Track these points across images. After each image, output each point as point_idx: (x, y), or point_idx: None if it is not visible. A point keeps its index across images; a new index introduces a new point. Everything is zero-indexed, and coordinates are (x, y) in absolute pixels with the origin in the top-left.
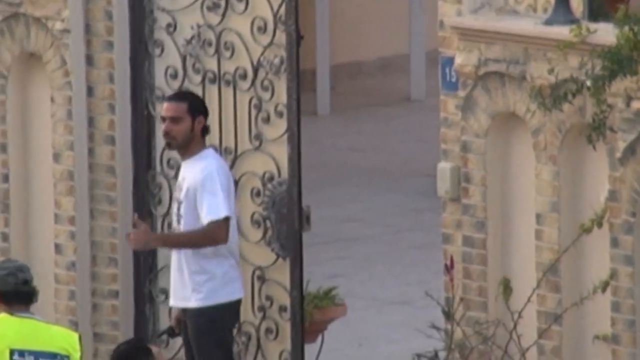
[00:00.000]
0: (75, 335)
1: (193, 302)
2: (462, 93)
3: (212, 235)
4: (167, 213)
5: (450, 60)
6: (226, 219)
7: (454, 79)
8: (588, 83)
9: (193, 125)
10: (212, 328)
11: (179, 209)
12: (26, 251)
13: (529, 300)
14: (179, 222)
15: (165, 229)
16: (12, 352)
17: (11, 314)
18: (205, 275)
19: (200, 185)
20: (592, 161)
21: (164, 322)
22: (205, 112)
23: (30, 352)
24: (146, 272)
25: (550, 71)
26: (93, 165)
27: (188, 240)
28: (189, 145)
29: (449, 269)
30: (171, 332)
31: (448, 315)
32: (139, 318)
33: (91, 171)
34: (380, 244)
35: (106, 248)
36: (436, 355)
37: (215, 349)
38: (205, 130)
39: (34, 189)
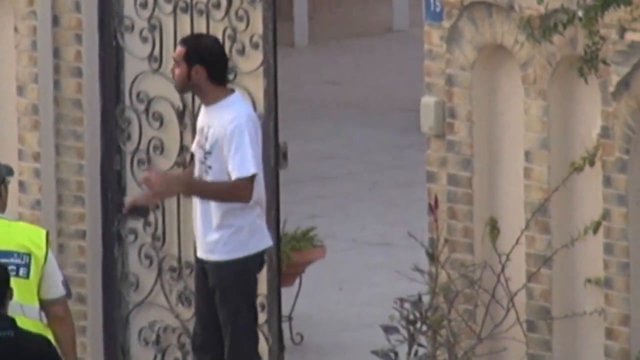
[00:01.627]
0: (42, 232)
1: (218, 254)
2: (446, 24)
3: (237, 193)
4: (137, 149)
5: None
6: (252, 177)
7: (438, 9)
8: (580, 13)
9: (189, 72)
10: (239, 280)
11: (205, 158)
12: None
13: (517, 242)
14: (206, 172)
15: (135, 165)
16: None
17: None
18: (231, 229)
19: (229, 139)
20: (584, 96)
21: (133, 264)
22: (207, 63)
23: None
24: (114, 211)
25: (540, 1)
26: (59, 99)
27: (214, 193)
28: (203, 92)
29: (433, 208)
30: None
31: (432, 258)
32: (107, 260)
33: (57, 105)
34: (361, 182)
35: (72, 186)
36: (420, 299)
37: (240, 299)
38: (220, 77)
39: None
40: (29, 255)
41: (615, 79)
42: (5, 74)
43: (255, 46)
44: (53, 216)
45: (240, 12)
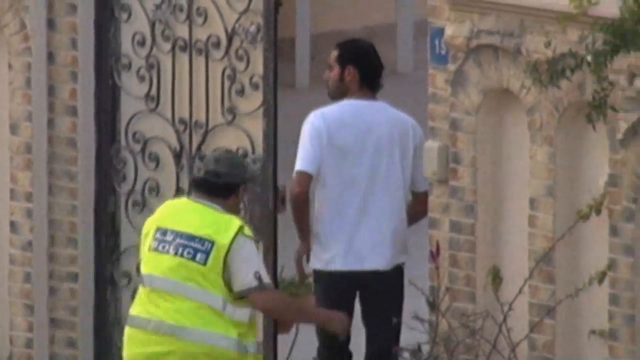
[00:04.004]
0: (234, 223)
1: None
2: (452, 67)
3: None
4: (132, 190)
5: (440, 31)
6: (298, 173)
7: (443, 52)
8: (588, 58)
9: (342, 74)
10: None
11: None
12: None
13: (520, 291)
14: None
15: (129, 207)
16: (157, 230)
17: (188, 197)
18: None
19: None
20: (591, 142)
21: (126, 308)
22: (359, 64)
23: (173, 232)
24: (108, 253)
25: (548, 45)
26: (53, 138)
27: None
28: (345, 97)
29: (434, 256)
30: None
31: (433, 306)
32: (100, 303)
33: (50, 144)
34: None
35: (65, 227)
36: (419, 348)
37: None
38: (371, 80)
39: None
40: (212, 243)
41: (623, 125)
42: None
43: (255, 87)
44: (45, 258)
45: (241, 52)
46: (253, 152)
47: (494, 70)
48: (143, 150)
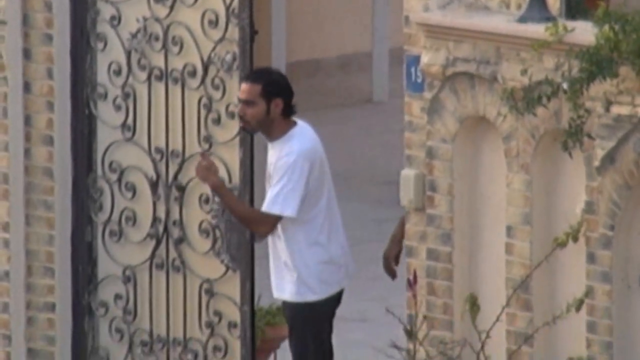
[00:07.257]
0: None
1: (287, 294)
2: (428, 95)
3: (255, 224)
4: (109, 220)
5: (415, 59)
6: (276, 218)
7: (419, 80)
8: (564, 86)
9: (268, 108)
10: (307, 323)
11: None
12: None
13: (497, 319)
14: None
15: (106, 237)
16: None
17: None
18: (297, 271)
19: (275, 171)
20: (568, 170)
21: (104, 337)
22: (284, 94)
23: None
24: (85, 283)
25: (524, 72)
26: (29, 168)
27: (234, 209)
28: (271, 128)
29: (412, 284)
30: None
31: (410, 334)
32: (77, 333)
33: (27, 174)
34: None
35: (42, 257)
36: None
37: (308, 342)
38: (290, 110)
39: None
40: None
41: (600, 153)
42: None
43: (231, 116)
44: (22, 288)
45: (217, 81)
46: (230, 181)
47: (470, 98)
48: (119, 179)
